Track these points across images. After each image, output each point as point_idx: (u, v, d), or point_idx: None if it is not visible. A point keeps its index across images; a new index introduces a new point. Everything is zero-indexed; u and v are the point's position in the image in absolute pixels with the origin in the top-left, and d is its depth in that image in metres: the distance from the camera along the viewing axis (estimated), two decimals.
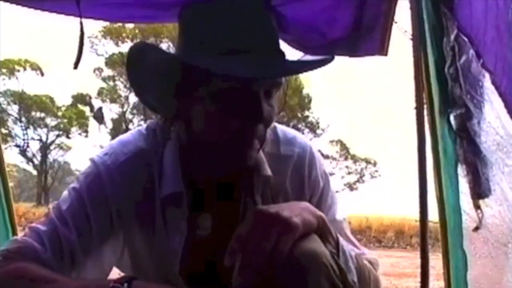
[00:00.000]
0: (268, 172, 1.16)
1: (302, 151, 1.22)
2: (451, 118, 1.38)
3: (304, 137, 1.28)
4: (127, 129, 20.85)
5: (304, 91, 21.89)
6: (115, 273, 1.12)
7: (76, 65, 1.21)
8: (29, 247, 1.05)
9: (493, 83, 1.26)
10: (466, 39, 1.35)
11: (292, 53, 1.26)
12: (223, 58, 1.03)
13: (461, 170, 1.36)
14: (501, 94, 1.23)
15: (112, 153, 1.14)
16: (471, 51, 1.32)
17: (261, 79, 1.03)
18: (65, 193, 1.13)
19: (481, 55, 1.30)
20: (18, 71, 21.29)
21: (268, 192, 1.18)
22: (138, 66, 1.09)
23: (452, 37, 1.36)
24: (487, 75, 1.28)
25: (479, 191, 1.32)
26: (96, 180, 1.11)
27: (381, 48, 1.60)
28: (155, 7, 1.34)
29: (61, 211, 1.09)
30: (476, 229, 1.33)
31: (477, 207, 1.32)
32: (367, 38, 1.56)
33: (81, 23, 1.22)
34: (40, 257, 1.04)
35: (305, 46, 1.45)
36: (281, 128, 1.23)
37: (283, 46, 1.19)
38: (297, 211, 1.02)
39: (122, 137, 1.19)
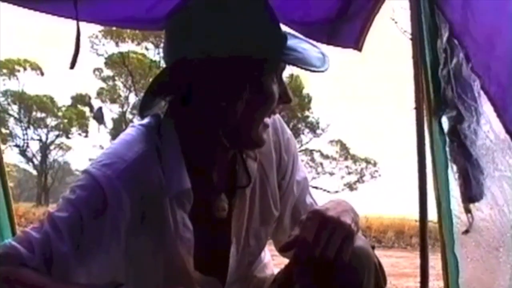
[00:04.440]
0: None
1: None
2: (443, 120, 1.39)
3: None
4: None
5: (304, 91, 21.85)
6: None
7: (72, 66, 1.21)
8: (16, 254, 1.05)
9: (482, 87, 1.26)
10: (456, 42, 1.35)
11: None
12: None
13: (452, 174, 1.37)
14: (490, 99, 1.24)
15: (110, 163, 1.12)
16: (462, 54, 1.33)
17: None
18: (60, 202, 1.12)
19: (470, 58, 1.31)
20: (18, 71, 21.23)
21: (257, 155, 1.25)
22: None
23: (445, 39, 1.36)
24: (477, 79, 1.29)
25: (470, 195, 1.33)
26: (95, 192, 1.09)
27: (357, 44, 1.61)
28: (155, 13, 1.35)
29: (56, 222, 1.08)
30: (466, 232, 1.34)
31: (467, 211, 1.33)
32: (347, 30, 1.57)
33: (77, 25, 1.23)
34: (26, 265, 1.05)
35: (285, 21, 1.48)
36: None
37: None
38: (350, 214, 1.09)
39: (115, 145, 1.18)
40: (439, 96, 1.40)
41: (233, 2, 1.12)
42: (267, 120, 1.18)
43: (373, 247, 1.13)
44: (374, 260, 1.10)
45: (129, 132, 1.19)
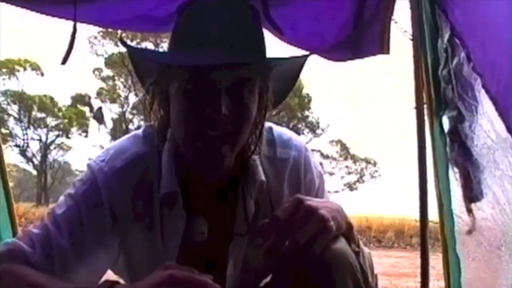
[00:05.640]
0: (262, 177, 1.15)
1: (298, 153, 1.21)
2: (444, 120, 1.38)
3: (299, 138, 1.27)
4: (127, 129, 20.80)
5: (304, 91, 21.88)
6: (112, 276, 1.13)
7: (64, 61, 1.22)
8: (18, 250, 1.06)
9: (484, 86, 1.26)
10: (458, 42, 1.35)
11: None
12: (176, 52, 1.06)
13: (453, 174, 1.37)
14: (492, 98, 1.23)
15: (109, 159, 1.13)
16: (463, 54, 1.32)
17: (216, 73, 1.00)
18: (61, 198, 1.13)
19: (471, 58, 1.30)
20: (18, 71, 21.28)
21: (264, 197, 1.17)
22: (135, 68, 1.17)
23: (446, 38, 1.36)
24: (479, 78, 1.28)
25: (471, 194, 1.32)
26: (92, 187, 1.10)
27: (382, 47, 1.60)
28: (154, 17, 1.35)
29: (55, 216, 1.09)
30: (469, 232, 1.33)
31: (469, 210, 1.32)
32: (368, 38, 1.56)
33: (74, 22, 1.24)
34: (28, 260, 1.05)
35: (306, 48, 1.47)
36: (276, 129, 1.23)
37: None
38: (333, 213, 1.02)
39: (119, 143, 1.19)
40: (439, 96, 1.40)
41: None
42: (223, 146, 1.04)
43: (357, 253, 1.06)
44: (351, 261, 1.02)
45: (138, 131, 1.20)
